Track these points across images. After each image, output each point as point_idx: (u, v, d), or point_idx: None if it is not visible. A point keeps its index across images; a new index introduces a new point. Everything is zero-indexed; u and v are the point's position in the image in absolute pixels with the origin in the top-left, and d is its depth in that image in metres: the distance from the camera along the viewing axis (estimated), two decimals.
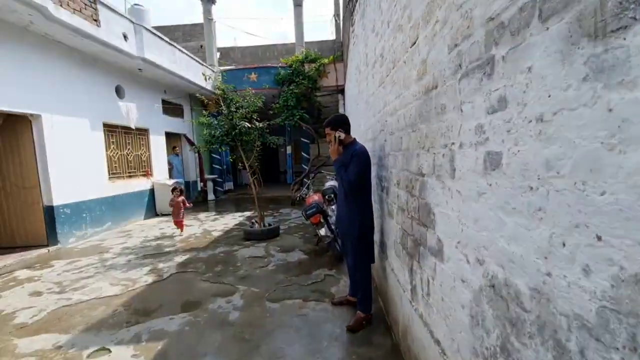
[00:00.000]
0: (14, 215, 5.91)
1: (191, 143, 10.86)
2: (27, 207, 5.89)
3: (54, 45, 6.02)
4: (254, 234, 5.81)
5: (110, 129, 7.53)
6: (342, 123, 2.82)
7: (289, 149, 13.79)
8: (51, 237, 5.94)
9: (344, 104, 11.68)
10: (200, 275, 4.20)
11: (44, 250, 5.67)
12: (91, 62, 6.93)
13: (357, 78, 4.74)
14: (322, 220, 4.41)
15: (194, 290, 3.74)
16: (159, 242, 6.04)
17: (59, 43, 6.12)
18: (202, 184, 11.68)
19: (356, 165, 2.65)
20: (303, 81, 11.00)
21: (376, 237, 3.14)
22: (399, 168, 2.28)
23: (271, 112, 10.72)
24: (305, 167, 12.02)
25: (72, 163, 6.32)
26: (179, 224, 6.52)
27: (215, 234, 6.51)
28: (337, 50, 12.04)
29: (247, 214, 8.66)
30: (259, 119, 5.88)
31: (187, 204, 6.54)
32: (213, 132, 5.86)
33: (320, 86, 11.39)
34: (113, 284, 4.00)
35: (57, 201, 5.96)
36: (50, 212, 5.90)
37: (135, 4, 10.76)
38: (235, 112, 5.61)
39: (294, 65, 11.19)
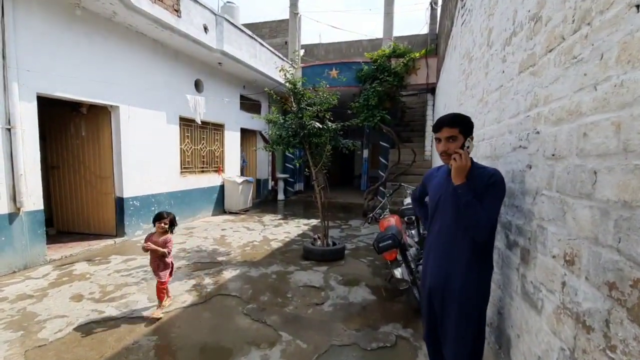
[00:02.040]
0: (91, 203, 6.05)
1: (266, 141, 10.58)
2: (102, 197, 5.98)
3: (137, 38, 6.00)
4: (314, 254, 4.98)
5: (186, 123, 7.46)
6: (472, 127, 1.77)
7: (365, 153, 12.76)
8: (119, 228, 5.95)
9: (433, 105, 10.21)
10: (242, 304, 3.49)
11: (110, 242, 5.67)
12: (173, 55, 6.86)
13: (466, 69, 3.53)
14: (399, 257, 3.33)
15: (230, 328, 3.02)
16: (215, 246, 5.60)
17: (142, 35, 6.09)
18: (273, 182, 11.38)
19: (496, 199, 1.62)
20: (388, 78, 9.85)
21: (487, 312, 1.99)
22: (578, 234, 1.14)
23: (350, 111, 9.83)
24: (382, 173, 10.87)
25: (146, 155, 6.28)
26: (161, 292, 3.34)
27: (275, 244, 5.86)
28: (431, 44, 10.58)
29: (314, 222, 7.92)
30: (332, 118, 5.01)
31: (169, 250, 3.37)
32: (280, 132, 5.17)
33: (407, 84, 10.10)
34: (151, 300, 3.53)
35: (127, 193, 5.94)
36: (120, 204, 5.91)
37: (228, 1, 10.86)
38: (306, 109, 4.82)
39: (379, 61, 10.10)
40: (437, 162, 8.11)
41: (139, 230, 6.19)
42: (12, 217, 4.23)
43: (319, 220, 8.05)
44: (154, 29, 5.88)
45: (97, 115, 5.84)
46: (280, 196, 11.41)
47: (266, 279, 4.19)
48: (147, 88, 6.26)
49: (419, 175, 10.39)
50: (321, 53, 16.76)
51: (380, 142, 11.31)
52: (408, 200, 5.56)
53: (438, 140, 1.76)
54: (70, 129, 6.00)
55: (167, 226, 3.36)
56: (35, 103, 4.49)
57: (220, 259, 4.96)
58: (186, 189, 7.43)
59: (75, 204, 6.12)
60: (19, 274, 4.17)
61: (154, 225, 3.36)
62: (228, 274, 4.35)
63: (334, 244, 5.28)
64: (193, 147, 7.80)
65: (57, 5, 4.64)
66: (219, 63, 7.93)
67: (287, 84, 5.02)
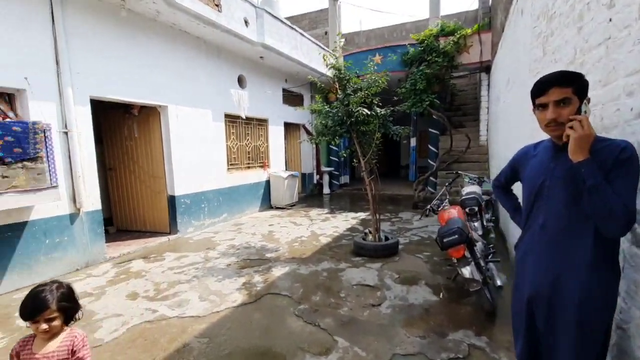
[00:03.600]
0: (146, 202, 6.26)
1: (309, 133, 10.39)
2: (155, 196, 6.16)
3: (180, 36, 6.04)
4: (366, 250, 4.66)
5: (231, 120, 7.47)
6: (587, 86, 1.35)
7: (413, 141, 12.08)
8: (172, 225, 6.10)
9: (488, 85, 9.32)
10: (293, 304, 3.29)
11: (164, 239, 5.81)
12: (215, 52, 6.87)
13: (542, 31, 2.98)
14: (466, 254, 2.91)
15: (281, 331, 2.82)
16: (263, 243, 5.51)
17: (185, 33, 6.12)
18: (317, 176, 11.19)
19: (633, 180, 1.20)
20: (437, 59, 9.14)
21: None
22: None
23: (395, 98, 9.29)
24: (432, 162, 10.20)
25: (194, 153, 6.36)
26: None
27: (323, 239, 5.63)
28: (483, 18, 9.65)
29: (362, 215, 7.58)
30: (380, 104, 4.62)
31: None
32: (325, 121, 4.89)
33: (458, 64, 9.31)
34: (202, 298, 3.46)
35: (178, 191, 6.05)
36: (172, 202, 6.04)
37: None
38: (352, 95, 4.49)
39: (426, 41, 9.40)
40: (495, 147, 7.28)
41: (190, 228, 6.30)
42: (73, 217, 4.43)
43: (368, 214, 7.74)
44: (196, 26, 5.87)
45: (148, 116, 5.99)
46: (326, 190, 11.19)
47: (317, 277, 3.97)
48: (193, 86, 6.31)
49: (474, 163, 9.57)
50: (362, 41, 16.18)
51: (429, 129, 10.63)
52: (468, 189, 5.02)
53: (541, 106, 1.36)
54: (124, 131, 6.24)
55: (56, 322, 1.46)
56: (89, 106, 4.65)
57: (268, 255, 4.84)
58: (233, 186, 7.46)
59: (131, 203, 6.37)
60: (82, 272, 4.36)
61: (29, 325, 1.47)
62: (277, 271, 4.19)
63: (387, 238, 4.92)
64: (238, 144, 7.82)
65: (104, 9, 4.75)
66: (261, 57, 7.83)
67: (331, 71, 4.71)
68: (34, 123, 3.68)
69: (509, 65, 5.32)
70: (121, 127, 6.22)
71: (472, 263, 2.88)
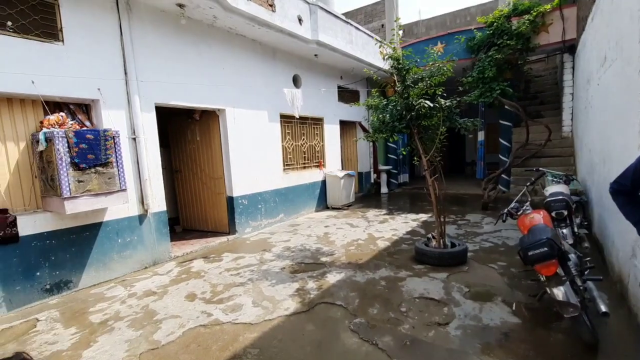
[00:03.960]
0: (207, 203, 6.50)
1: (366, 131, 10.04)
2: (216, 197, 6.36)
3: (237, 40, 6.13)
4: (429, 257, 4.23)
5: (286, 120, 7.46)
6: None
7: (480, 135, 11.04)
8: (231, 226, 6.24)
9: (573, 67, 8.08)
10: (348, 316, 3.04)
11: (224, 239, 5.96)
12: (270, 53, 6.88)
13: None
14: (559, 271, 2.39)
15: (335, 348, 2.59)
16: (318, 245, 5.34)
17: (241, 37, 6.21)
18: (375, 175, 10.78)
19: None
20: (509, 42, 8.15)
21: None
22: None
23: (460, 88, 8.53)
24: (504, 158, 9.20)
25: (251, 155, 6.44)
26: None
27: (381, 243, 5.29)
28: None
29: (423, 217, 7.05)
30: (445, 94, 4.15)
31: None
32: (382, 117, 4.55)
33: (535, 46, 8.20)
34: (255, 304, 3.39)
35: (236, 192, 6.16)
36: (231, 203, 6.17)
37: None
38: (412, 87, 4.09)
39: (495, 23, 8.45)
40: (585, 140, 6.10)
41: (248, 228, 6.40)
42: (141, 218, 4.70)
43: (430, 215, 7.18)
44: (251, 28, 5.90)
45: (208, 120, 6.19)
46: (384, 189, 10.74)
47: (374, 286, 3.67)
48: (249, 89, 6.39)
49: (555, 158, 8.40)
50: (422, 31, 15.30)
51: (500, 121, 9.59)
52: (552, 188, 4.30)
53: None
54: (187, 135, 6.54)
55: None
56: (154, 113, 4.90)
57: (323, 259, 4.65)
58: (289, 186, 7.44)
59: (195, 203, 6.67)
60: (149, 270, 4.60)
61: None
62: (332, 277, 3.98)
63: (453, 244, 4.43)
64: (294, 144, 7.78)
65: (166, 18, 4.96)
66: (315, 55, 7.69)
67: (389, 62, 4.35)
68: (105, 130, 3.93)
69: (604, 39, 4.44)
70: (185, 132, 6.52)
71: (567, 282, 2.35)
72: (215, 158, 6.25)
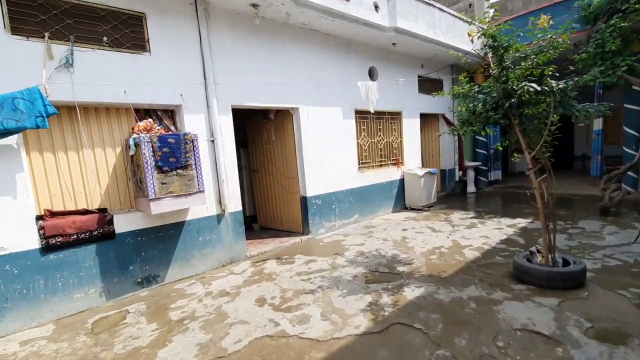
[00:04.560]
0: (282, 203, 6.53)
1: (450, 124, 9.10)
2: (290, 196, 6.34)
3: (310, 36, 5.97)
4: (534, 276, 3.47)
5: (362, 116, 7.10)
6: None
7: (597, 123, 9.12)
8: (305, 226, 6.15)
9: None
10: (429, 345, 2.59)
11: (297, 239, 5.90)
12: (345, 46, 6.58)
13: None
14: None
15: None
16: (395, 251, 4.90)
17: (315, 32, 6.03)
18: (460, 172, 9.74)
19: None
20: (637, 5, 6.48)
21: None
22: None
23: (570, 68, 7.11)
24: (631, 151, 7.42)
25: (324, 154, 6.26)
26: None
27: (469, 253, 4.61)
28: None
29: (521, 222, 6.03)
30: (557, 74, 3.33)
31: None
32: (472, 106, 3.89)
33: None
34: (324, 316, 3.15)
35: (310, 192, 6.05)
36: (304, 203, 6.08)
37: None
38: (512, 68, 3.38)
39: None
40: None
41: (321, 229, 6.24)
42: (219, 217, 4.85)
43: (531, 220, 6.07)
44: (324, 21, 5.67)
45: (283, 120, 6.18)
46: (471, 188, 9.64)
47: (462, 309, 3.12)
48: (322, 85, 6.19)
49: None
50: (518, 6, 13.32)
51: (625, 105, 7.77)
52: None
53: None
54: (264, 135, 6.64)
55: None
56: (230, 115, 5.01)
57: (401, 269, 4.21)
58: (364, 185, 7.08)
59: (271, 203, 6.77)
60: (226, 268, 4.73)
61: None
62: (410, 292, 3.54)
63: (566, 261, 3.58)
64: (370, 140, 7.38)
65: (241, 20, 5.01)
66: (393, 44, 7.14)
67: (481, 40, 3.68)
68: (184, 134, 4.10)
69: None
70: (261, 131, 6.64)
71: None
72: (289, 157, 6.22)
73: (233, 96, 4.97)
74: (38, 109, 3.25)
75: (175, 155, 3.99)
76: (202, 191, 4.26)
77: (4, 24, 3.30)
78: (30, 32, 3.44)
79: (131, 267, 4.08)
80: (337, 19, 5.65)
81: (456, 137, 9.43)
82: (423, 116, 8.75)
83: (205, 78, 4.67)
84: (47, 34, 3.51)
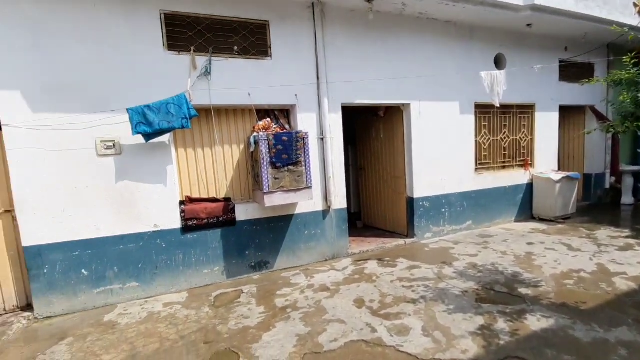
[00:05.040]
0: (387, 202, 6.37)
1: (601, 118, 7.38)
2: (396, 196, 6.13)
3: (427, 26, 5.59)
4: None
5: (482, 111, 6.34)
6: None
7: None
8: (410, 229, 5.87)
9: None
10: None
11: (401, 242, 5.69)
12: (467, 33, 5.95)
13: None
14: None
15: None
16: (516, 269, 4.24)
17: (433, 21, 5.61)
18: (613, 178, 7.83)
19: None
20: None
21: None
22: None
23: None
24: None
25: (436, 153, 5.83)
26: None
27: (621, 283, 3.66)
28: None
29: None
30: None
31: None
32: None
33: None
34: (425, 331, 2.94)
35: (417, 193, 5.73)
36: (411, 204, 5.80)
37: None
38: None
39: None
40: None
41: (428, 233, 5.86)
42: (324, 213, 5.01)
43: None
44: (444, 8, 5.19)
45: (392, 117, 5.99)
46: (627, 199, 7.67)
47: (606, 355, 2.49)
48: (438, 78, 5.73)
49: None
50: None
51: None
52: None
53: None
54: (372, 133, 6.56)
55: None
56: (340, 113, 5.08)
57: (523, 291, 3.62)
58: (481, 189, 6.34)
59: (375, 201, 6.68)
60: (327, 263, 4.87)
61: None
62: (535, 321, 3.00)
63: None
64: (491, 138, 6.55)
65: (354, 18, 5.00)
66: (528, 25, 6.12)
67: None
68: (297, 132, 4.33)
69: None
70: (369, 129, 6.58)
71: None
72: (397, 156, 5.99)
73: (343, 94, 5.02)
74: (184, 112, 3.88)
75: (287, 152, 4.26)
76: (310, 187, 4.44)
77: (163, 42, 4.02)
78: (181, 47, 4.11)
79: (247, 252, 4.56)
80: (459, 4, 5.12)
81: (609, 136, 7.61)
82: (563, 109, 7.31)
83: (317, 78, 4.83)
84: (192, 48, 4.14)
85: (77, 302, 3.79)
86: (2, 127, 3.46)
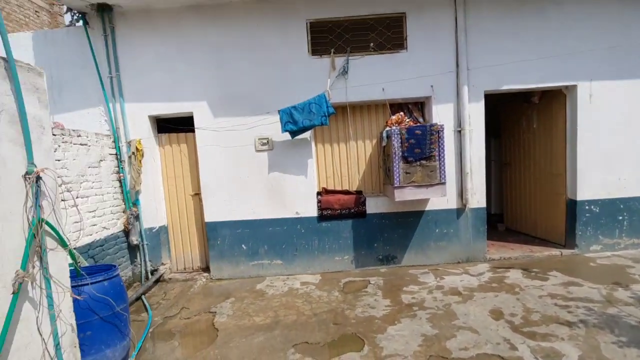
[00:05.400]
0: (539, 204, 5.45)
1: None
2: (551, 197, 5.19)
3: None
4: None
5: None
6: None
7: None
8: (569, 237, 4.90)
9: None
10: None
11: (555, 252, 4.82)
12: None
13: None
14: None
15: None
16: None
17: None
18: None
19: None
20: None
21: None
22: None
23: None
24: None
25: (613, 145, 4.67)
26: None
27: None
28: None
29: None
30: None
31: None
32: None
33: None
34: None
35: (582, 195, 4.72)
36: (572, 207, 4.82)
37: None
38: None
39: None
40: None
41: (595, 245, 4.76)
42: (459, 212, 4.68)
43: None
44: None
45: (550, 103, 5.07)
46: None
47: None
48: (617, 51, 4.53)
49: None
50: None
51: None
52: None
53: None
54: (522, 123, 5.70)
55: None
56: (482, 102, 4.61)
57: None
58: None
59: (523, 202, 5.80)
60: (460, 266, 4.55)
61: None
62: None
63: None
64: None
65: None
66: None
67: None
68: (431, 125, 4.16)
69: None
70: (519, 119, 5.73)
71: None
72: (555, 150, 5.05)
73: (487, 81, 4.54)
74: (323, 110, 4.24)
75: (420, 146, 4.15)
76: (444, 183, 4.22)
77: (308, 48, 4.47)
78: (322, 51, 4.48)
79: (375, 245, 4.69)
80: None
81: None
82: None
83: (457, 65, 4.51)
84: (332, 50, 4.47)
85: (238, 270, 4.69)
86: (196, 129, 4.55)
